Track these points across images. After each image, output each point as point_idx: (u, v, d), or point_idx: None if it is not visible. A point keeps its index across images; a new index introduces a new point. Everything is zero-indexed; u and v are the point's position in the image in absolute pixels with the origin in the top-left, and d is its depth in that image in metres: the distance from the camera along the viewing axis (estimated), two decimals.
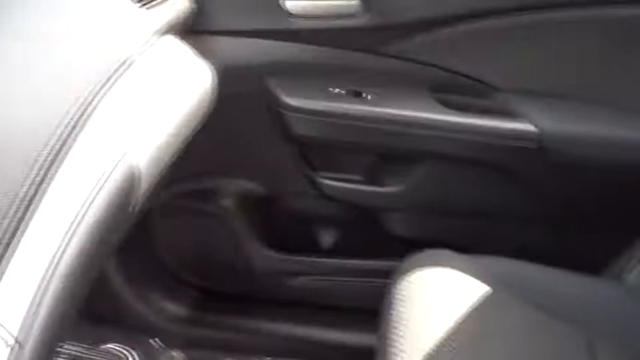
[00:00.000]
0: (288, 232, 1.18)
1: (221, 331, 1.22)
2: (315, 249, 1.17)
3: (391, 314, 0.75)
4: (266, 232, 1.15)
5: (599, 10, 0.88)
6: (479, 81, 0.94)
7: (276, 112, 0.95)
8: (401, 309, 0.75)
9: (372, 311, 0.82)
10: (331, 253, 1.16)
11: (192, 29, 0.87)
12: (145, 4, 0.75)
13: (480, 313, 0.73)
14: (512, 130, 0.90)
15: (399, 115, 0.93)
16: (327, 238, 1.17)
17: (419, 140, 0.94)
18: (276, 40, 0.93)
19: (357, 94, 0.94)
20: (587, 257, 0.87)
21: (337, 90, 0.94)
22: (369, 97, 0.94)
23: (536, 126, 0.89)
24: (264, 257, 1.14)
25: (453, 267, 0.78)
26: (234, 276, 1.18)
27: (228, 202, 1.11)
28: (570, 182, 0.95)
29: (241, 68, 0.94)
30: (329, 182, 1.03)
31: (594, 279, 0.86)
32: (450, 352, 0.68)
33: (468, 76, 0.94)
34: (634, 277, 0.85)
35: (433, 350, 0.67)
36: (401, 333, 0.71)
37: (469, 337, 0.70)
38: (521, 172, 0.95)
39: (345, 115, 0.93)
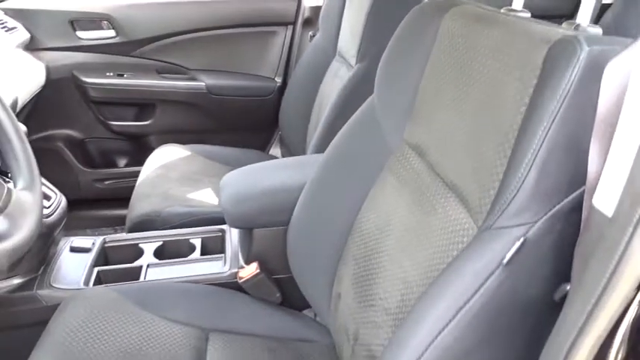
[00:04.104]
0: (98, 158, 2.10)
1: None
2: (113, 165, 2.11)
3: None
4: (84, 159, 2.07)
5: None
6: (181, 66, 1.99)
7: (80, 87, 1.89)
8: None
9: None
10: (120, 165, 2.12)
11: (29, 47, 1.79)
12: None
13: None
14: (196, 85, 1.99)
15: (144, 84, 1.92)
16: (118, 158, 2.12)
17: (155, 95, 1.95)
18: (75, 51, 1.88)
19: (120, 75, 1.92)
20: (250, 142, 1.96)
21: (110, 74, 1.93)
22: (126, 75, 1.93)
23: (204, 83, 1.98)
24: (83, 172, 2.06)
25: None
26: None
27: (60, 143, 2.01)
28: (221, 105, 2.04)
29: (59, 66, 1.87)
30: (115, 123, 1.99)
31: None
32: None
33: (174, 64, 1.98)
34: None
35: None
36: None
37: None
38: (201, 104, 2.03)
39: (116, 85, 1.91)
